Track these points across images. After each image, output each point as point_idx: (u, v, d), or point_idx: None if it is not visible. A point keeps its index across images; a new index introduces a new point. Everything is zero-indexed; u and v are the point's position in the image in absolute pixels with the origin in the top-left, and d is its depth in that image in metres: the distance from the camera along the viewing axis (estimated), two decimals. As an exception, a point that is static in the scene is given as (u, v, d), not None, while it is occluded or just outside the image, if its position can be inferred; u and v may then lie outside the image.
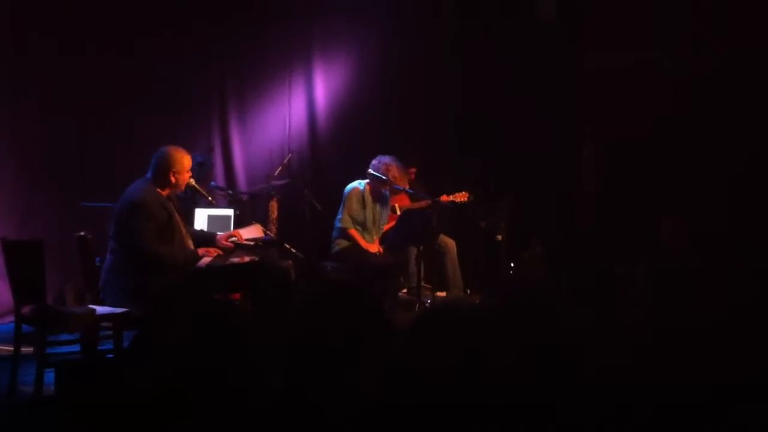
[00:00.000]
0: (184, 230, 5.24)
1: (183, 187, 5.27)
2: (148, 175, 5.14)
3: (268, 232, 6.13)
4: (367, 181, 7.01)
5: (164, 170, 5.10)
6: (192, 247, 5.23)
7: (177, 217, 5.16)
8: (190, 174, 5.24)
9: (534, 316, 2.28)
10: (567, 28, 8.45)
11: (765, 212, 7.09)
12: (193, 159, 6.85)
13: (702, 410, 1.92)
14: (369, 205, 7.00)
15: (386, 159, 6.97)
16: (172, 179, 5.11)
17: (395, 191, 7.63)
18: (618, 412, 1.92)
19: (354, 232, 6.92)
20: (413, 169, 7.96)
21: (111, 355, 4.94)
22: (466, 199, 7.61)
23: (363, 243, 6.91)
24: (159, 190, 5.10)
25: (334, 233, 6.99)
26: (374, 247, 6.95)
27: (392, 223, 7.70)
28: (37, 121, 7.11)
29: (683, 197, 7.48)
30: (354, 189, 6.99)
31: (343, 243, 6.93)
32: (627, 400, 1.94)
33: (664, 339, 2.14)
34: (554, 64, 8.39)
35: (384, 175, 6.89)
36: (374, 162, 6.98)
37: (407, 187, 7.45)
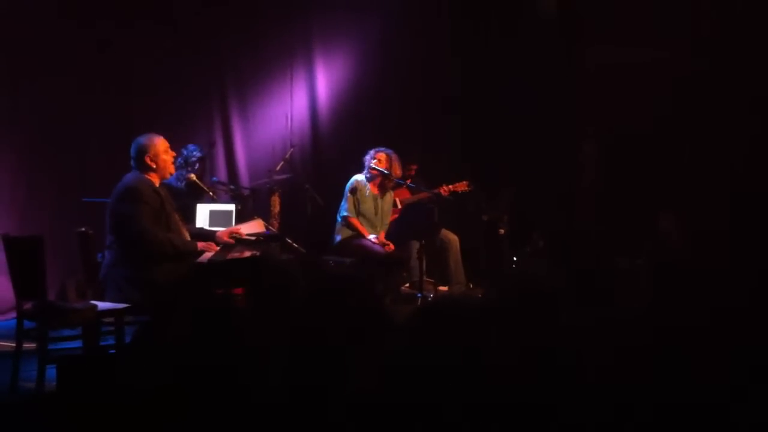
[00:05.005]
0: (178, 218, 5.23)
1: (167, 171, 5.23)
2: (133, 166, 5.15)
3: (269, 226, 6.12)
4: (367, 174, 7.05)
5: (140, 156, 5.11)
6: (188, 238, 5.23)
7: (168, 204, 5.16)
8: (171, 156, 5.21)
9: (535, 312, 2.28)
10: (567, 24, 8.45)
11: (763, 208, 7.10)
12: (195, 154, 6.91)
13: (702, 410, 1.92)
14: (371, 199, 7.05)
15: (383, 152, 7.02)
16: (151, 164, 5.11)
17: (397, 185, 7.64)
18: (618, 412, 1.92)
19: (356, 222, 6.97)
20: (414, 166, 7.95)
21: (113, 351, 4.95)
22: (466, 187, 7.62)
23: (365, 232, 6.96)
24: (148, 177, 5.11)
25: (337, 223, 7.02)
26: (382, 239, 6.97)
27: (394, 217, 7.71)
28: (37, 116, 7.10)
29: (682, 193, 7.49)
30: (356, 182, 7.03)
31: (346, 232, 6.97)
32: (627, 400, 1.94)
33: (664, 338, 2.14)
34: (555, 59, 8.39)
35: (386, 170, 6.95)
36: (369, 156, 7.02)
37: (402, 177, 7.49)
